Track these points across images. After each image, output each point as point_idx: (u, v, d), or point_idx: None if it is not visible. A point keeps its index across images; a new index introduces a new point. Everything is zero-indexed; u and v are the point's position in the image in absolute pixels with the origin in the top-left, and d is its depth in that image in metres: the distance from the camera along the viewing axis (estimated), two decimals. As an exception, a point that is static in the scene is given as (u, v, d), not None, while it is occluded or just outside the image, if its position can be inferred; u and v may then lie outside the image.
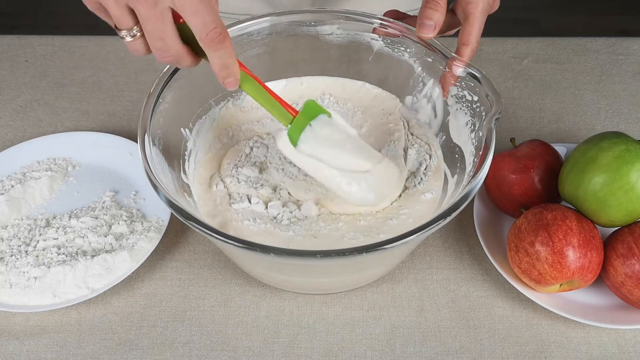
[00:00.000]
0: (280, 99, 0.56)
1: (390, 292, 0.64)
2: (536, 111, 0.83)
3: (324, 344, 0.60)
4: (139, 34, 0.48)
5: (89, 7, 0.48)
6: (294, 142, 0.57)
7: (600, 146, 0.59)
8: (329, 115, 0.59)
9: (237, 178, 0.63)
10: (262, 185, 0.63)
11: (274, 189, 0.63)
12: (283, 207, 0.61)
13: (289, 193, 0.62)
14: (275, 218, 0.60)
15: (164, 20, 0.47)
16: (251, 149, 0.67)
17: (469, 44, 0.59)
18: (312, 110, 0.58)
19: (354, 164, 0.58)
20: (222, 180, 0.64)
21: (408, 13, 0.67)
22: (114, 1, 0.46)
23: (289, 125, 0.57)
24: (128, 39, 0.49)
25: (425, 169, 0.64)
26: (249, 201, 0.61)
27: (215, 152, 0.66)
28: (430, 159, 0.65)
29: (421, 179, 0.63)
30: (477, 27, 0.59)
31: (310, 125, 0.57)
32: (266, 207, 0.61)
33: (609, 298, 0.62)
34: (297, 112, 0.57)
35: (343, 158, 0.57)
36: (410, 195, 0.62)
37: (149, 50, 0.49)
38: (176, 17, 0.48)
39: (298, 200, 0.62)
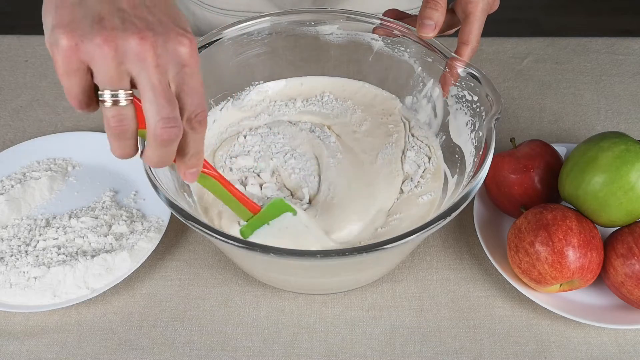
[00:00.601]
0: (240, 194, 0.54)
1: (390, 292, 0.64)
2: (536, 111, 0.83)
3: (324, 344, 0.60)
4: (126, 101, 0.41)
5: (61, 67, 0.41)
6: (245, 237, 0.56)
7: (600, 146, 0.59)
8: (295, 213, 0.57)
9: (230, 168, 0.64)
10: (257, 175, 0.63)
11: (272, 173, 0.64)
12: (278, 191, 0.61)
13: (284, 185, 0.63)
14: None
15: (169, 89, 0.41)
16: (245, 137, 0.67)
17: (469, 43, 0.59)
18: (275, 210, 0.57)
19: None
20: None
21: (408, 12, 0.67)
22: (116, 64, 0.39)
23: (246, 222, 0.56)
24: (108, 103, 0.40)
25: (423, 172, 0.64)
26: (244, 186, 0.62)
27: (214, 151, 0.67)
28: (429, 161, 0.65)
29: (418, 182, 0.63)
30: (477, 27, 0.59)
31: (268, 224, 0.56)
32: (261, 190, 0.61)
33: (609, 298, 0.62)
34: (259, 209, 0.56)
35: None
36: (406, 199, 0.62)
37: (135, 118, 0.42)
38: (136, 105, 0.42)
39: (291, 192, 0.63)
